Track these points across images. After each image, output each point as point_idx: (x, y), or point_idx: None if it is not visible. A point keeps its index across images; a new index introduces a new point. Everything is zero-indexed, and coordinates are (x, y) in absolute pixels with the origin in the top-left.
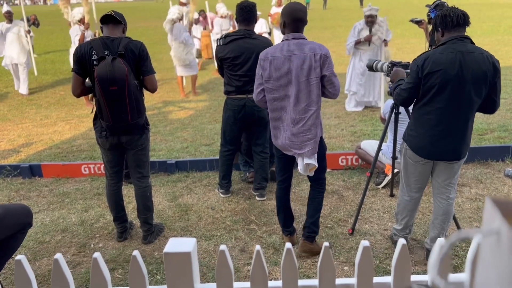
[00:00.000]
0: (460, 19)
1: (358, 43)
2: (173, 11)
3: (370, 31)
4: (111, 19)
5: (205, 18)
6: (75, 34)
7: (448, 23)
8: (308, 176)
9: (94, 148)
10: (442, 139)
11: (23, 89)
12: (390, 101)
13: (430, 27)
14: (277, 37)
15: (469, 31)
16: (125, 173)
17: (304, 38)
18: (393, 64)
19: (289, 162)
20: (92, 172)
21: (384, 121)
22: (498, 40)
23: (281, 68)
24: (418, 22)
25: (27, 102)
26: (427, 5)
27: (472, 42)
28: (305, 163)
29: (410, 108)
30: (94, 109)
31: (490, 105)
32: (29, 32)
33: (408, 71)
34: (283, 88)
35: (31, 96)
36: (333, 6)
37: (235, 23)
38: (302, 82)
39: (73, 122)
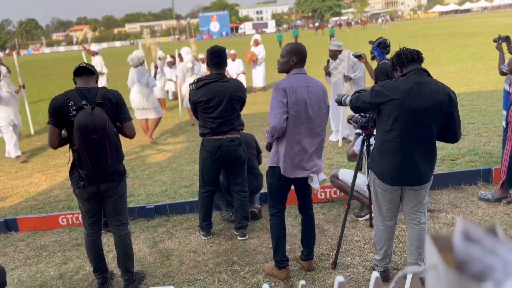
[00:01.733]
0: (414, 55)
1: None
2: (187, 51)
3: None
4: (84, 71)
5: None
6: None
7: (404, 60)
8: (300, 206)
9: (71, 198)
10: (403, 165)
11: (15, 152)
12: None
13: (372, 63)
14: (255, 75)
15: (434, 60)
16: (104, 221)
17: (306, 73)
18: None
19: (288, 191)
20: (70, 222)
21: (353, 158)
22: (462, 67)
23: (303, 97)
24: (359, 57)
25: (1, 155)
26: (370, 42)
27: (429, 75)
28: (321, 179)
29: None
30: (71, 160)
31: (450, 135)
32: (23, 87)
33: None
34: (303, 115)
35: (3, 148)
36: (303, 42)
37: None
38: (317, 110)
39: (50, 172)
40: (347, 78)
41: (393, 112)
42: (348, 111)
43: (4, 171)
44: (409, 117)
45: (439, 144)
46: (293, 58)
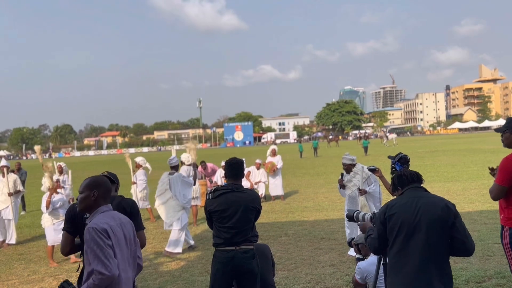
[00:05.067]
0: (414, 176)
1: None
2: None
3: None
4: None
5: (205, 168)
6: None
7: (404, 181)
8: None
9: None
10: (413, 281)
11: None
12: (363, 263)
13: (391, 177)
14: (273, 184)
15: (455, 175)
16: None
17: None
18: (375, 215)
19: None
20: None
21: (359, 287)
22: (484, 184)
23: (122, 237)
24: (373, 170)
25: (17, 256)
26: (389, 157)
27: (426, 191)
28: None
29: None
30: (81, 267)
31: (460, 247)
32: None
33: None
34: (126, 259)
35: (22, 250)
36: (323, 154)
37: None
38: (129, 252)
39: (61, 277)
40: (362, 192)
41: (394, 228)
42: None
43: (17, 274)
44: (409, 231)
45: (463, 265)
46: (94, 193)
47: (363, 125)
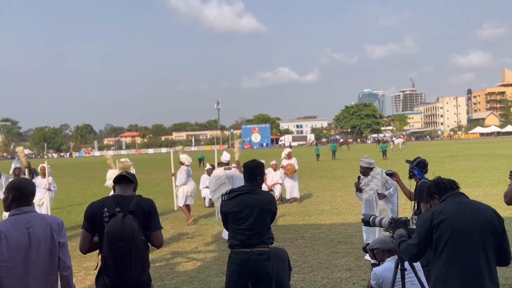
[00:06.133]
0: (452, 183)
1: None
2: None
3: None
4: (124, 179)
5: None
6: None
7: (442, 189)
8: None
9: None
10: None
11: None
12: (379, 269)
13: (408, 182)
14: (288, 186)
15: (476, 181)
16: None
17: (29, 211)
18: (394, 220)
19: None
20: None
21: None
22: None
23: (21, 243)
24: (391, 175)
25: None
26: (407, 161)
27: (467, 197)
28: None
29: (417, 263)
30: (99, 265)
31: (505, 255)
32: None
33: (410, 227)
34: (21, 266)
35: None
36: (341, 157)
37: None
38: (40, 257)
39: (80, 275)
40: (381, 196)
41: (443, 235)
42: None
43: None
44: (460, 237)
45: None
46: (10, 196)
47: (382, 128)
